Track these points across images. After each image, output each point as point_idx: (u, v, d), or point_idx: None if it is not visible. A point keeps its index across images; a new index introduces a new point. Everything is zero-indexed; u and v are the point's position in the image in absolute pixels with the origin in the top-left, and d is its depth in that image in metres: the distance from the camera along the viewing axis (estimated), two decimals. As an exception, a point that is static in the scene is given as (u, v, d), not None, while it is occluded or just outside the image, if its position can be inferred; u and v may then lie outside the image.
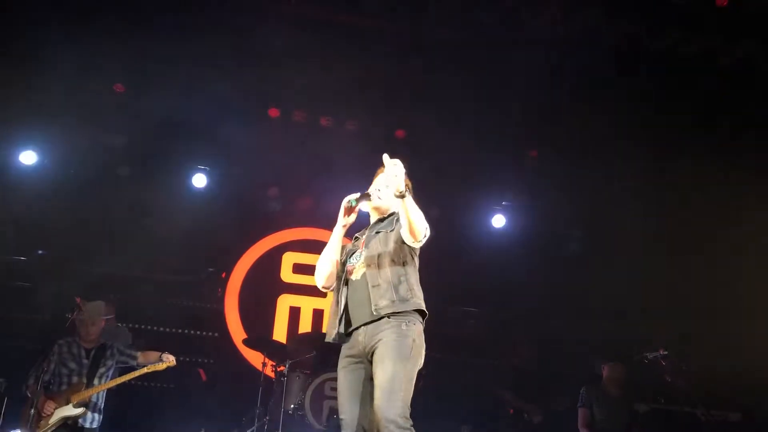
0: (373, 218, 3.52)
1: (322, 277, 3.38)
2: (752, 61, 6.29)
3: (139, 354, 5.47)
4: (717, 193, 7.08)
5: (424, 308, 3.18)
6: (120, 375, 5.31)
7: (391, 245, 3.25)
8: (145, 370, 5.21)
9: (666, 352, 5.51)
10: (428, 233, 3.16)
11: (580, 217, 8.26)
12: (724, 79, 6.45)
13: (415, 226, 3.08)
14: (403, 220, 3.11)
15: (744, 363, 6.60)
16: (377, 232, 3.36)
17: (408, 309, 3.11)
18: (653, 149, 7.28)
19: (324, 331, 3.40)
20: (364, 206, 3.42)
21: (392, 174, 3.02)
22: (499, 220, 8.22)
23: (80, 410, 5.01)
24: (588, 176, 7.86)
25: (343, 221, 3.36)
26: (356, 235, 3.51)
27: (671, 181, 7.47)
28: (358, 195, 3.31)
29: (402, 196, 3.03)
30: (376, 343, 3.04)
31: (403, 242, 3.25)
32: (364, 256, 3.28)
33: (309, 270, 4.71)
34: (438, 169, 7.43)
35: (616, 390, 6.20)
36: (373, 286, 3.14)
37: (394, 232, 3.28)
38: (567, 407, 6.46)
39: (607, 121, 6.90)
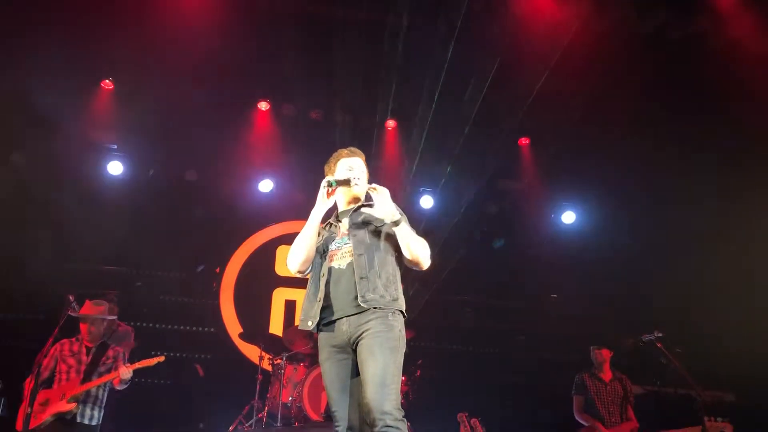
0: (343, 205, 3.42)
1: (298, 262, 3.24)
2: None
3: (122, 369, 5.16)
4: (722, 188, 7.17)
5: (405, 313, 3.17)
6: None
7: (384, 241, 3.20)
8: (136, 365, 5.18)
9: (661, 334, 5.54)
10: (429, 261, 3.18)
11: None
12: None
13: (420, 257, 3.13)
14: (404, 250, 3.13)
15: (739, 344, 6.67)
16: (365, 222, 3.26)
17: (395, 308, 3.10)
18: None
19: (299, 317, 3.28)
20: (338, 190, 3.33)
21: (383, 202, 3.02)
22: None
23: (72, 405, 4.98)
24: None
25: (325, 204, 3.26)
26: (330, 221, 3.42)
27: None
28: (337, 178, 3.26)
29: (396, 224, 3.05)
30: (362, 333, 3.01)
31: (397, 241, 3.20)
32: (350, 244, 3.20)
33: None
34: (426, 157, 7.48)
35: (606, 373, 6.31)
36: (361, 278, 3.08)
37: (387, 229, 3.20)
38: None
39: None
